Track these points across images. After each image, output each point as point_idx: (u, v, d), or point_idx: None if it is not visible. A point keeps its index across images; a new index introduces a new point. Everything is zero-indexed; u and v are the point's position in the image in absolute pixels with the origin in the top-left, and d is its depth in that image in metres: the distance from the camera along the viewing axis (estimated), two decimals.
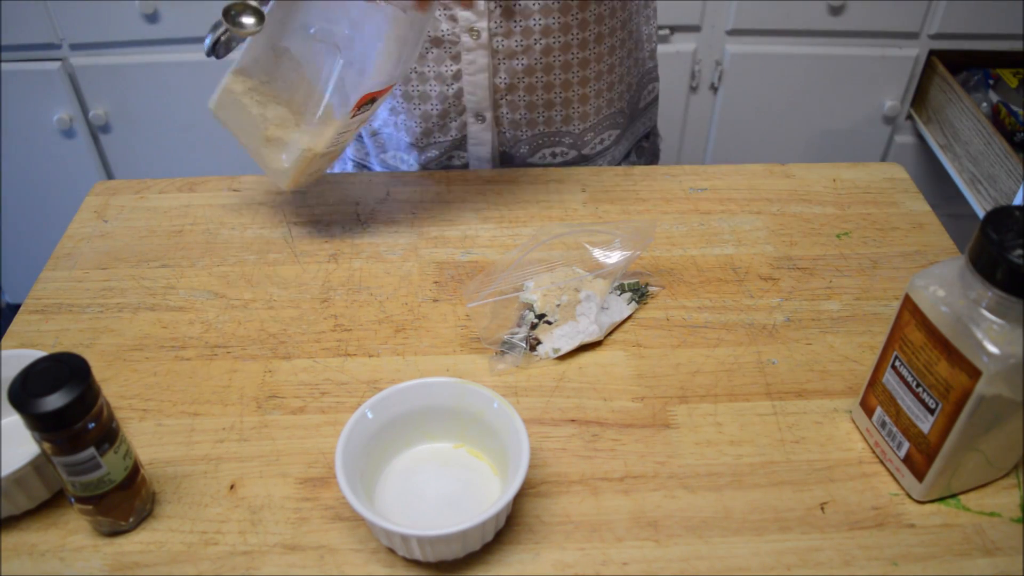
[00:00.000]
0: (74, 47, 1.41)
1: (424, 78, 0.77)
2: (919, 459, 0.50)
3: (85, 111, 1.48)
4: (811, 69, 1.50)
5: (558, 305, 0.63)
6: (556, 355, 0.61)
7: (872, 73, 1.50)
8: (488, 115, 0.79)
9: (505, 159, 0.84)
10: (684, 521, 0.50)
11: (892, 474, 0.53)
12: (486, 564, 0.48)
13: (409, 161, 0.85)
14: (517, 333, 0.62)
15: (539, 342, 0.61)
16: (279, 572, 0.48)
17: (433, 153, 0.83)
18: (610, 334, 0.63)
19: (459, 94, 0.78)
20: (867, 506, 0.51)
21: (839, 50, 1.48)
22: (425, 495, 0.51)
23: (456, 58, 0.76)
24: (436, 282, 0.68)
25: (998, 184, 1.31)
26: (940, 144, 1.50)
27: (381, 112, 0.82)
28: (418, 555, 0.47)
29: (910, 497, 0.52)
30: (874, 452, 0.55)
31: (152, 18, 1.39)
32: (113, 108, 1.48)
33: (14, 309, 1.78)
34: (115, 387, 0.59)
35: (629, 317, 0.65)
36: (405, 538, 0.45)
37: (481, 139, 0.81)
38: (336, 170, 0.93)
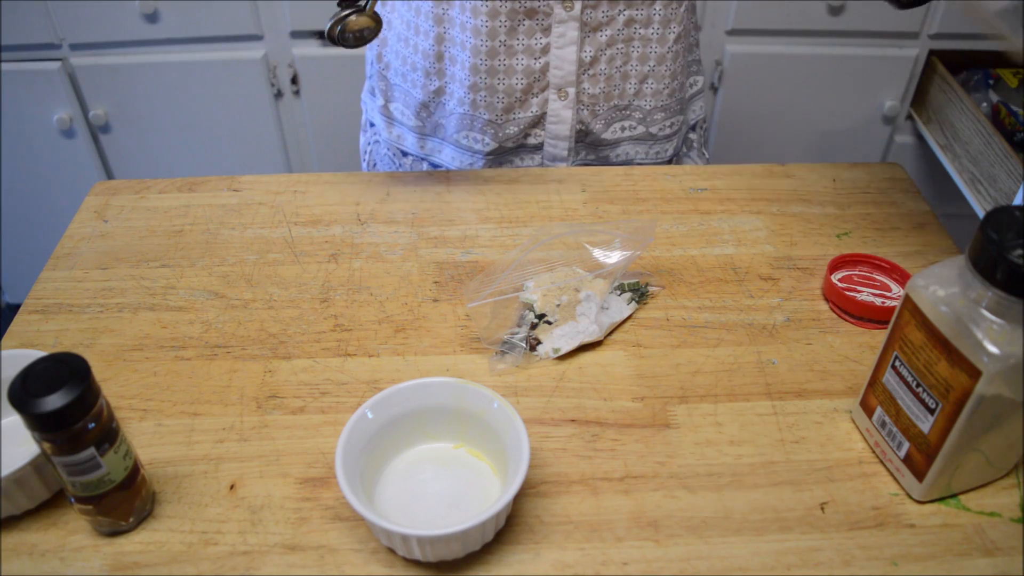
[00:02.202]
0: (74, 47, 1.41)
1: (512, 51, 0.77)
2: (919, 459, 0.50)
3: (85, 111, 1.48)
4: (811, 69, 1.50)
5: (558, 305, 0.63)
6: (556, 355, 0.61)
7: (872, 73, 1.50)
8: (571, 91, 0.80)
9: (580, 137, 0.84)
10: (684, 521, 0.50)
11: (892, 474, 0.53)
12: (486, 564, 0.48)
13: (484, 140, 0.84)
14: (517, 333, 0.62)
15: (539, 342, 0.61)
16: (279, 572, 0.48)
17: (512, 130, 0.83)
18: (610, 334, 0.63)
19: (544, 68, 0.78)
20: (867, 506, 0.51)
21: (839, 50, 1.48)
22: (425, 495, 0.51)
23: (547, 31, 0.76)
24: (436, 282, 0.68)
25: (998, 184, 1.31)
26: (940, 144, 1.50)
27: (458, 91, 0.82)
28: (418, 555, 0.47)
29: (910, 497, 0.52)
30: (874, 452, 0.55)
31: (152, 18, 1.39)
32: (113, 108, 1.48)
33: (14, 309, 1.78)
34: (115, 387, 0.59)
35: (629, 317, 0.65)
36: (405, 538, 0.45)
37: (561, 116, 0.81)
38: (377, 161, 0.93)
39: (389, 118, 0.89)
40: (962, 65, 1.51)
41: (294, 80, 1.47)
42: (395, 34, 0.84)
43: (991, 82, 1.48)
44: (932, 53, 1.50)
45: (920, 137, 1.58)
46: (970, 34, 1.48)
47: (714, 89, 1.54)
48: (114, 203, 0.76)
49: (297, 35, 1.43)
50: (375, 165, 0.95)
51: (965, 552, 0.49)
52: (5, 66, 1.40)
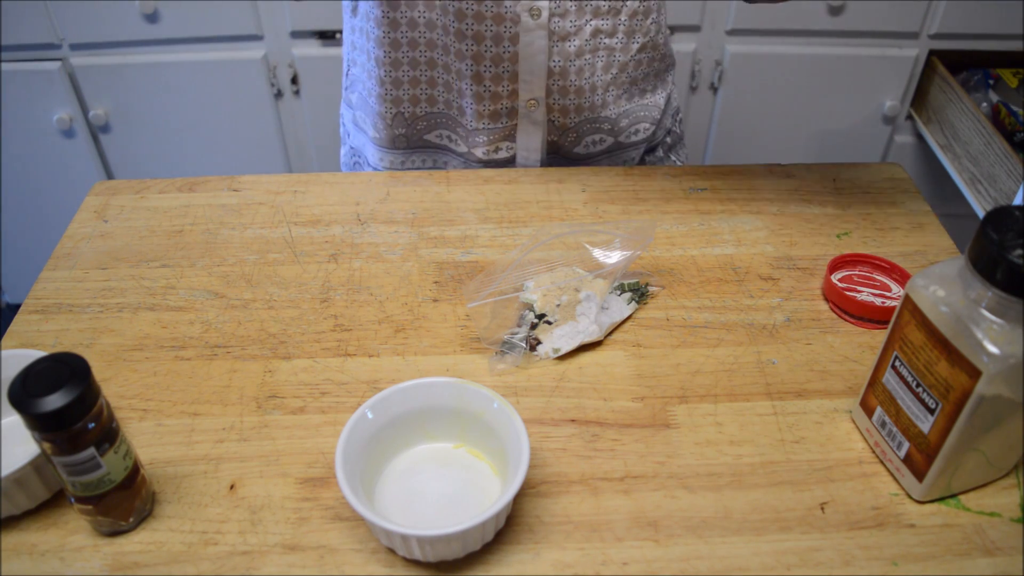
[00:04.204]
0: (74, 47, 1.41)
1: (480, 57, 0.77)
2: (919, 459, 0.50)
3: (85, 111, 1.48)
4: (811, 69, 1.50)
5: (558, 305, 0.63)
6: (556, 355, 0.61)
7: (872, 73, 1.50)
8: (541, 101, 0.80)
9: (552, 148, 0.84)
10: (684, 521, 0.50)
11: (892, 474, 0.53)
12: (486, 564, 0.48)
13: (455, 139, 0.84)
14: (517, 333, 0.62)
15: (539, 342, 0.61)
16: (279, 572, 0.48)
17: (481, 139, 0.82)
18: (610, 334, 0.63)
19: (513, 78, 0.78)
20: (867, 506, 0.51)
21: (839, 50, 1.48)
22: (425, 495, 0.51)
23: (514, 39, 0.76)
24: (436, 282, 0.68)
25: (998, 184, 1.31)
26: (940, 144, 1.50)
27: (431, 91, 0.81)
28: (418, 555, 0.47)
29: (910, 497, 0.52)
30: (874, 452, 0.55)
31: (152, 18, 1.39)
32: (113, 108, 1.48)
33: (14, 309, 1.78)
34: (115, 387, 0.59)
35: (629, 317, 0.65)
36: (405, 538, 0.45)
37: (531, 129, 0.81)
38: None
39: (362, 126, 0.88)
40: (962, 65, 1.51)
41: (294, 80, 1.47)
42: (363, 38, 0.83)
43: (991, 82, 1.48)
44: (932, 53, 1.50)
45: (920, 137, 1.58)
46: (970, 34, 1.48)
47: (714, 89, 1.54)
48: (114, 203, 0.76)
49: (297, 35, 1.43)
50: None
51: (965, 552, 0.49)
52: (5, 66, 1.40)
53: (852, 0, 1.42)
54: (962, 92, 1.41)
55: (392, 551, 0.48)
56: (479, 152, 0.83)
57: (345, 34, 0.86)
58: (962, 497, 0.52)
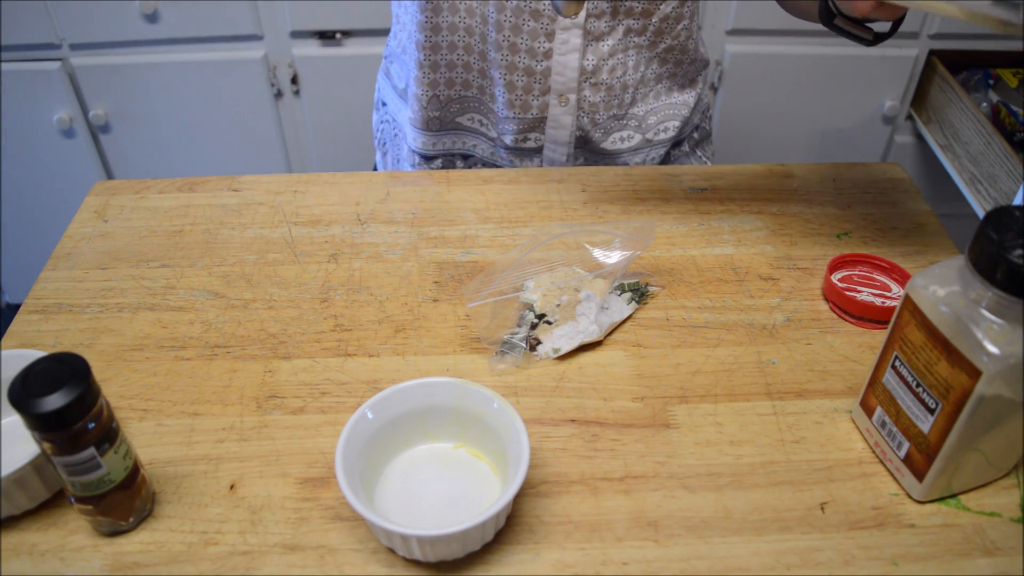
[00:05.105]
0: (74, 47, 1.41)
1: (515, 49, 0.78)
2: (919, 459, 0.50)
3: (85, 111, 1.48)
4: (811, 69, 1.50)
5: (558, 305, 0.63)
6: (556, 355, 0.61)
7: (872, 73, 1.50)
8: (572, 97, 0.80)
9: (580, 143, 0.85)
10: (684, 521, 0.50)
11: (892, 474, 0.53)
12: (486, 564, 0.48)
13: (487, 124, 0.85)
14: (517, 333, 0.62)
15: (539, 342, 0.61)
16: (279, 572, 0.48)
17: (510, 127, 0.83)
18: (610, 334, 0.63)
19: (546, 73, 0.79)
20: (867, 506, 0.51)
21: (839, 50, 1.48)
22: (425, 495, 0.51)
23: (550, 36, 0.77)
24: (436, 282, 0.68)
25: (998, 184, 1.31)
26: (940, 144, 1.50)
27: (465, 75, 0.83)
28: (418, 555, 0.47)
29: (910, 497, 0.52)
30: (874, 452, 0.55)
31: (152, 18, 1.38)
32: (113, 108, 1.48)
33: (14, 309, 1.78)
34: (115, 387, 0.59)
35: (629, 317, 0.65)
36: (405, 538, 0.45)
37: (561, 122, 0.82)
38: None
39: (402, 98, 0.90)
40: (962, 65, 1.51)
41: (294, 80, 1.47)
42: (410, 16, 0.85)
43: (991, 82, 1.48)
44: (932, 53, 1.50)
45: (920, 137, 1.58)
46: (970, 34, 1.48)
47: (714, 89, 1.54)
48: (114, 203, 0.76)
49: (297, 35, 1.43)
50: (384, 143, 0.96)
51: (965, 552, 0.49)
52: (5, 66, 1.40)
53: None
54: (962, 92, 1.41)
55: (392, 551, 0.48)
56: (507, 139, 0.84)
57: (392, 7, 0.88)
58: (962, 497, 0.52)
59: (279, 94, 1.49)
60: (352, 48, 1.45)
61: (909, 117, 1.58)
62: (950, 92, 1.45)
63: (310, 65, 1.45)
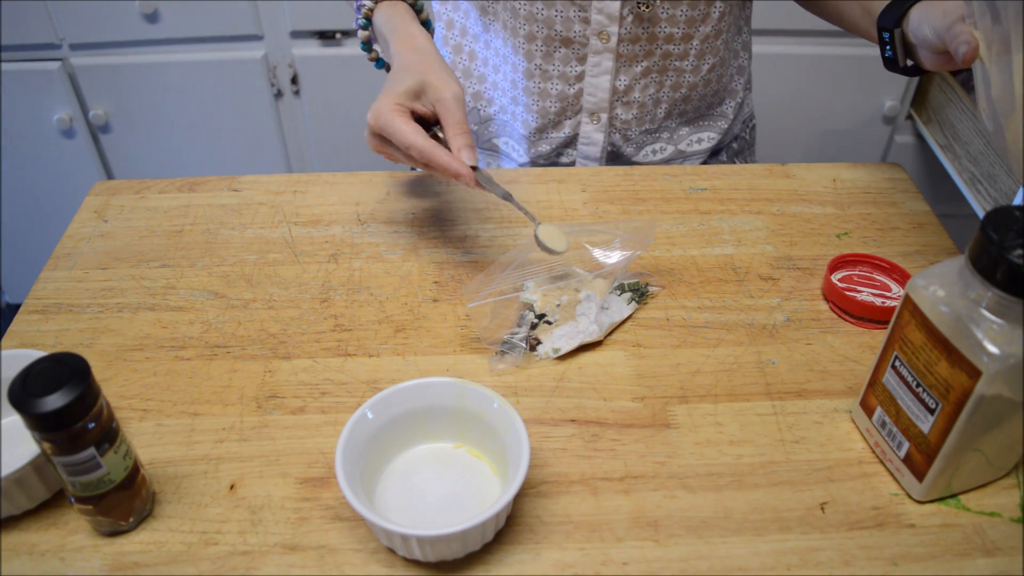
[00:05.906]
0: (74, 47, 1.41)
1: (547, 75, 0.79)
2: (919, 459, 0.50)
3: (85, 111, 1.47)
4: (811, 69, 1.50)
5: (558, 305, 0.63)
6: (556, 355, 0.61)
7: (872, 73, 1.50)
8: (604, 116, 0.81)
9: (611, 158, 0.86)
10: (684, 521, 0.50)
11: (892, 474, 0.53)
12: (486, 564, 0.48)
13: (519, 151, 0.86)
14: (517, 333, 0.62)
15: (539, 342, 0.61)
16: (279, 572, 0.48)
17: (544, 148, 0.85)
18: (610, 334, 0.63)
19: (579, 94, 0.80)
20: (867, 506, 0.51)
21: (839, 50, 1.48)
22: (425, 495, 0.51)
23: (582, 60, 0.78)
24: (436, 282, 0.68)
25: (998, 184, 1.31)
26: (940, 144, 1.50)
27: (500, 98, 0.84)
28: (418, 555, 0.47)
29: (910, 497, 0.52)
30: (874, 452, 0.55)
31: (152, 18, 1.38)
32: (113, 108, 1.48)
33: (14, 309, 1.78)
34: (115, 387, 0.59)
35: (629, 317, 0.64)
36: (405, 538, 0.45)
37: (592, 139, 0.83)
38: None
39: None
40: None
41: (294, 80, 1.47)
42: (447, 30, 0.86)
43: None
44: None
45: (920, 137, 1.58)
46: None
47: None
48: (114, 203, 0.76)
49: (297, 35, 1.43)
50: None
51: (965, 552, 0.49)
52: (5, 66, 1.40)
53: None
54: (962, 92, 1.41)
55: (392, 551, 0.48)
56: (540, 157, 0.86)
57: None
58: (962, 497, 0.52)
59: (279, 94, 1.49)
60: (352, 48, 1.45)
61: (909, 117, 1.58)
62: (950, 92, 1.45)
63: (310, 65, 1.45)
